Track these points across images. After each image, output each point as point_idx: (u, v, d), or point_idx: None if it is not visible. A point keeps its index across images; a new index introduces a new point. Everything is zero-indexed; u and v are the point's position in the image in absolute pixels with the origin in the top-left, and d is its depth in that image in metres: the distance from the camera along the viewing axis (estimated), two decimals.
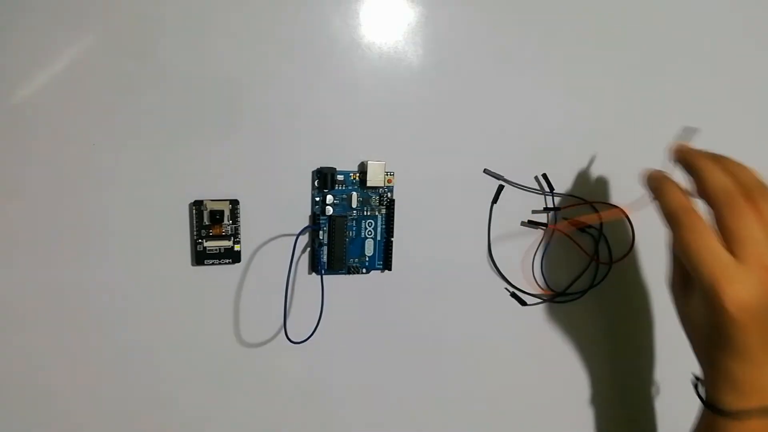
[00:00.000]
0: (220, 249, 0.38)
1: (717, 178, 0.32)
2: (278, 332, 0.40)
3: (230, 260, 0.38)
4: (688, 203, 0.33)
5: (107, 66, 0.35)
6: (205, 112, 0.37)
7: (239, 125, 0.37)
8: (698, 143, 0.38)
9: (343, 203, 0.39)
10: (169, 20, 0.36)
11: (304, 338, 0.37)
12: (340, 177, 0.39)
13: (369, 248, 0.40)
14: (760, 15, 0.45)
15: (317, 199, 0.39)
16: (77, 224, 0.36)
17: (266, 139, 0.38)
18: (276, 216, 0.39)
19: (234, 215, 0.38)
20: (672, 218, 0.33)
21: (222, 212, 0.37)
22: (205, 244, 0.37)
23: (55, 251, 0.36)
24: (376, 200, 0.40)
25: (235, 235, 0.38)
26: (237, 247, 0.38)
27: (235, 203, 0.37)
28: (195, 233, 0.37)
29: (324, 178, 0.38)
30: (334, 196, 0.39)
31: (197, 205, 0.37)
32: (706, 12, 0.44)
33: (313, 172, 0.39)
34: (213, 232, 0.37)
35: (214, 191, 0.37)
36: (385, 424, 0.43)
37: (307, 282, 0.40)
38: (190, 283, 0.38)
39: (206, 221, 0.37)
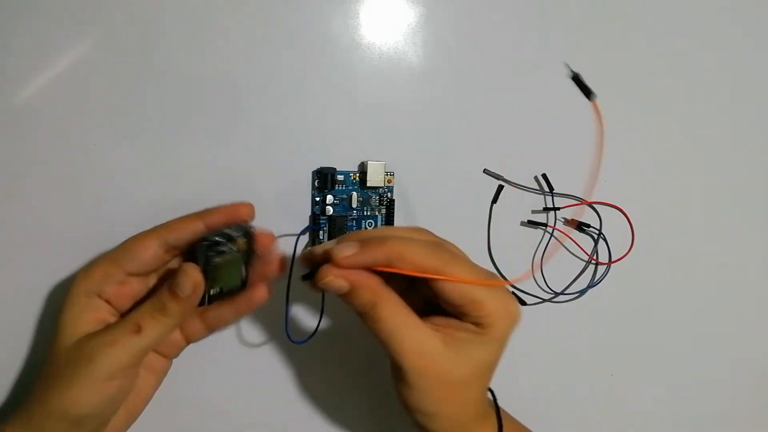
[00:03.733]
0: None
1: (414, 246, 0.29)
2: (278, 332, 0.40)
3: None
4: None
5: (107, 66, 0.35)
6: (205, 112, 0.37)
7: (239, 125, 0.37)
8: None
9: (343, 203, 0.39)
10: (169, 21, 0.36)
11: (304, 338, 0.37)
12: (340, 177, 0.39)
13: None
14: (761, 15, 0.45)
15: (317, 199, 0.39)
16: (77, 224, 0.36)
17: (266, 140, 0.38)
18: (276, 216, 0.39)
19: None
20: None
21: None
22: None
23: (55, 251, 0.36)
24: (376, 200, 0.40)
25: None
26: None
27: None
28: None
29: (324, 178, 0.38)
30: (334, 196, 0.39)
31: None
32: (706, 13, 0.44)
33: (313, 172, 0.39)
34: None
35: (214, 191, 0.37)
36: (385, 424, 0.43)
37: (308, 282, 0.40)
38: None
39: None
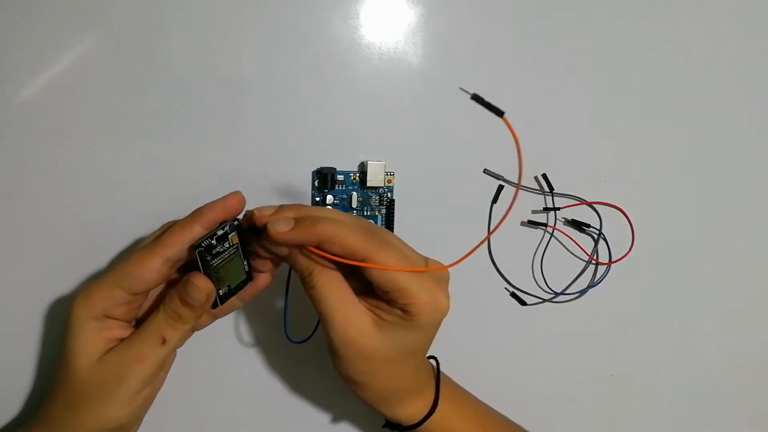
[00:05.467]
0: None
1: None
2: (278, 332, 0.40)
3: None
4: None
5: (108, 66, 0.35)
6: (206, 112, 0.37)
7: (239, 125, 0.37)
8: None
9: (343, 203, 0.39)
10: (170, 21, 0.36)
11: (304, 338, 0.37)
12: (340, 177, 0.39)
13: None
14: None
15: (317, 199, 0.39)
16: (77, 224, 0.36)
17: (266, 140, 0.38)
18: None
19: None
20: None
21: None
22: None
23: (55, 251, 0.36)
24: (376, 200, 0.40)
25: None
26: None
27: None
28: None
29: (324, 178, 0.38)
30: (334, 196, 0.39)
31: None
32: (704, 14, 0.44)
33: (313, 172, 0.39)
34: None
35: (214, 191, 0.37)
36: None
37: None
38: None
39: None
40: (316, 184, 0.39)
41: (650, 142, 0.44)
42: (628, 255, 0.44)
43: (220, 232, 0.30)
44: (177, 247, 0.30)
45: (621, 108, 0.43)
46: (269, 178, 0.38)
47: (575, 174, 0.43)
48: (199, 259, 0.29)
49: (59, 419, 0.30)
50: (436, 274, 0.31)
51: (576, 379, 0.46)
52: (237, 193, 0.31)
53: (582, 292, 0.44)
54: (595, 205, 0.44)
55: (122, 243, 0.37)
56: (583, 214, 0.44)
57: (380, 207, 0.40)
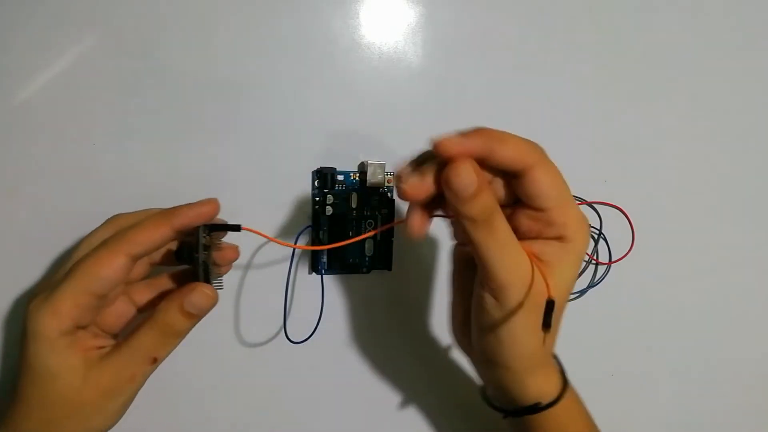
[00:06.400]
0: None
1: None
2: (278, 332, 0.40)
3: None
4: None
5: (108, 66, 0.35)
6: (206, 112, 0.37)
7: (239, 125, 0.37)
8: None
9: (343, 203, 0.39)
10: (170, 21, 0.36)
11: (304, 338, 0.37)
12: (340, 177, 0.39)
13: (369, 248, 0.40)
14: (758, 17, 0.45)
15: (317, 199, 0.39)
16: (77, 224, 0.36)
17: (266, 139, 0.38)
18: (276, 216, 0.39)
19: None
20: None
21: None
22: None
23: (55, 251, 0.36)
24: (376, 200, 0.40)
25: None
26: None
27: None
28: None
29: (324, 178, 0.38)
30: (334, 196, 0.39)
31: None
32: (704, 14, 0.44)
33: (313, 172, 0.39)
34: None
35: (214, 191, 0.37)
36: (385, 424, 0.43)
37: (307, 282, 0.40)
38: None
39: None
40: (316, 184, 0.39)
41: (650, 142, 0.44)
42: (628, 255, 0.44)
43: (204, 240, 0.29)
44: (144, 246, 0.28)
45: (621, 108, 0.43)
46: (269, 178, 0.38)
47: (575, 174, 0.43)
48: (201, 267, 0.29)
49: (34, 430, 0.29)
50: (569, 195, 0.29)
51: (576, 379, 0.46)
52: (214, 200, 0.30)
53: (582, 293, 0.44)
54: (595, 205, 0.44)
55: None
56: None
57: (380, 207, 0.40)
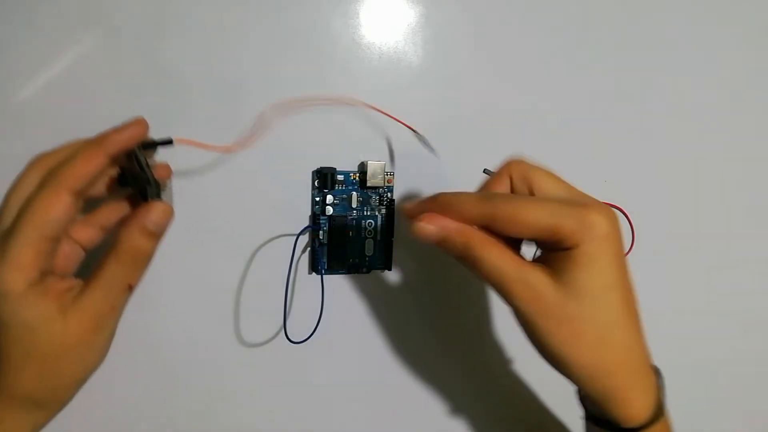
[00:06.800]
0: None
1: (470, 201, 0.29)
2: (278, 332, 0.40)
3: None
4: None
5: (108, 66, 0.35)
6: (206, 112, 0.37)
7: (239, 125, 0.37)
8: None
9: (343, 203, 0.39)
10: (170, 21, 0.36)
11: (304, 338, 0.37)
12: (340, 177, 0.39)
13: (369, 248, 0.40)
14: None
15: (317, 199, 0.39)
16: None
17: (266, 139, 0.38)
18: (276, 216, 0.39)
19: None
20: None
21: None
22: None
23: None
24: (376, 200, 0.40)
25: None
26: None
27: None
28: None
29: (324, 178, 0.38)
30: (334, 196, 0.39)
31: None
32: (705, 14, 0.44)
33: (313, 172, 0.39)
34: None
35: (214, 191, 0.37)
36: (385, 424, 0.43)
37: (307, 282, 0.40)
38: (190, 283, 0.38)
39: None
40: (316, 184, 0.39)
41: (650, 142, 0.44)
42: (628, 255, 0.44)
43: (142, 159, 0.29)
44: (85, 179, 0.28)
45: (621, 108, 0.43)
46: (269, 178, 0.38)
47: (575, 174, 0.43)
48: (152, 185, 0.29)
49: (28, 385, 0.29)
50: (583, 200, 0.29)
51: None
52: (140, 119, 0.30)
53: None
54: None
55: None
56: None
57: (380, 207, 0.40)
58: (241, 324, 0.40)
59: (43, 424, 0.31)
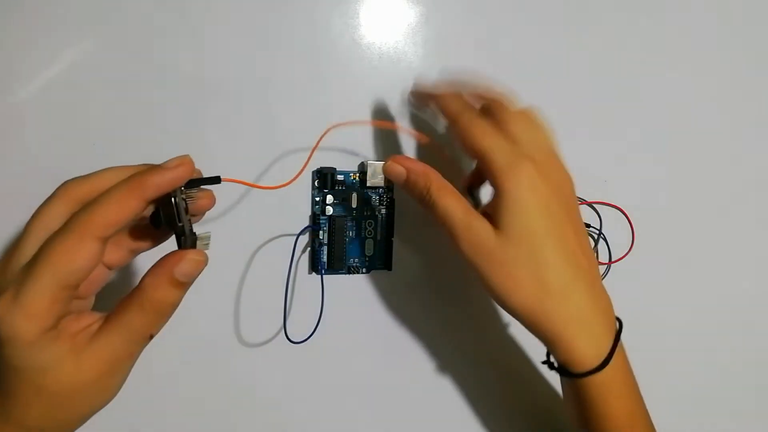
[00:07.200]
0: None
1: (451, 103, 0.34)
2: (278, 332, 0.40)
3: None
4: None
5: (107, 66, 0.35)
6: (206, 112, 0.37)
7: (239, 125, 0.37)
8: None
9: (343, 203, 0.39)
10: (170, 21, 0.36)
11: (304, 338, 0.37)
12: (340, 177, 0.39)
13: (369, 248, 0.40)
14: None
15: (317, 199, 0.39)
16: None
17: (266, 139, 0.38)
18: (276, 216, 0.39)
19: None
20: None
21: None
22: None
23: None
24: (376, 200, 0.40)
25: None
26: None
27: None
28: None
29: (324, 178, 0.38)
30: (334, 196, 0.39)
31: None
32: (705, 13, 0.44)
33: (313, 172, 0.39)
34: None
35: (213, 191, 0.37)
36: (385, 424, 0.43)
37: (307, 282, 0.40)
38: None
39: None
40: (316, 184, 0.39)
41: (650, 141, 0.44)
42: (628, 255, 0.44)
43: (181, 207, 0.26)
44: (117, 226, 0.25)
45: (621, 108, 0.43)
46: (269, 178, 0.38)
47: (575, 174, 0.43)
48: (188, 235, 0.27)
49: (38, 419, 0.27)
50: (531, 152, 0.32)
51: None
52: (186, 159, 0.26)
53: None
54: (595, 205, 0.44)
55: None
56: (583, 214, 0.43)
57: (380, 207, 0.40)
58: (241, 324, 0.40)
59: None
